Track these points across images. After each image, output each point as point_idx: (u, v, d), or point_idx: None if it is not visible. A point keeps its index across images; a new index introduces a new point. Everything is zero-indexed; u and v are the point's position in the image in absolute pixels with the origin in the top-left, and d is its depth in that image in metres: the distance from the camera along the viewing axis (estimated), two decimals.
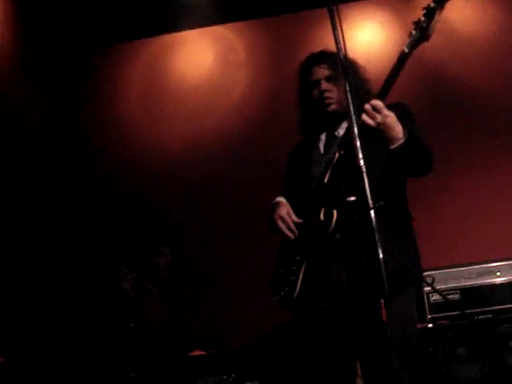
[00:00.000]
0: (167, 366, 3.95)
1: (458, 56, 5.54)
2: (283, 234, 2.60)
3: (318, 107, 2.74)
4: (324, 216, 2.48)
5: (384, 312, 1.74)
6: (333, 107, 2.71)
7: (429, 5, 2.25)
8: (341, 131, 2.71)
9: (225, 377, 3.31)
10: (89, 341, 4.47)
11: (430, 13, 2.24)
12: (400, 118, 2.37)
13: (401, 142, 2.30)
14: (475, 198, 4.97)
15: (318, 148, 2.75)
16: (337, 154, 2.51)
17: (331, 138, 2.73)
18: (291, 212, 2.63)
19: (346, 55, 2.08)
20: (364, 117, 2.25)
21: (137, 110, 5.83)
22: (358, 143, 1.88)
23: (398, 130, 2.30)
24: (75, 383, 4.18)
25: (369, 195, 1.80)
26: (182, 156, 5.62)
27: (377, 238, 1.73)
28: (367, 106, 2.26)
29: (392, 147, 2.30)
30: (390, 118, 2.27)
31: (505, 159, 5.06)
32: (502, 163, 5.05)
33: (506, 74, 5.36)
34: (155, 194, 5.54)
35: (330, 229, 2.42)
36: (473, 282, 3.90)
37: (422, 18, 2.25)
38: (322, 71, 2.73)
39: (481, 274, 3.91)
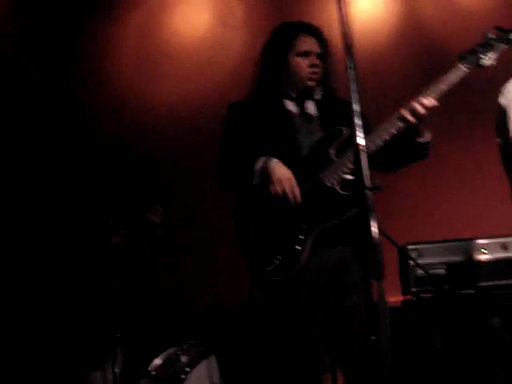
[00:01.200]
0: (153, 329, 3.99)
1: (456, 31, 5.48)
2: (284, 196, 2.51)
3: (297, 75, 2.72)
4: (342, 190, 2.49)
5: (376, 292, 1.76)
6: (314, 83, 2.74)
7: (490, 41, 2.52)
8: (310, 107, 2.75)
9: (210, 342, 3.33)
10: (74, 300, 4.48)
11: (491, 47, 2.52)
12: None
13: (429, 137, 2.56)
14: (463, 174, 4.97)
15: (296, 116, 2.73)
16: (344, 131, 2.54)
17: (304, 112, 2.74)
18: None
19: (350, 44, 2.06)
20: (418, 108, 2.46)
21: (130, 67, 5.74)
22: (358, 121, 1.86)
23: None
24: (58, 345, 4.19)
25: (366, 175, 1.79)
26: (175, 115, 5.56)
27: (371, 218, 1.73)
28: (431, 104, 2.47)
29: (421, 140, 2.55)
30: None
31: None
32: (491, 139, 5.04)
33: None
34: (147, 152, 5.49)
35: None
36: (459, 258, 3.93)
37: (481, 49, 2.53)
38: (316, 46, 2.73)
39: (467, 251, 3.94)
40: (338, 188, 2.49)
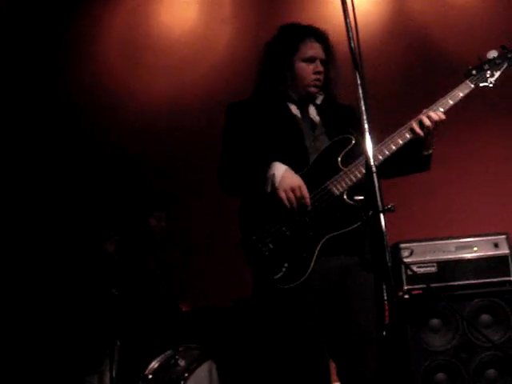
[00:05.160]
0: (149, 332, 3.98)
1: (444, 20, 5.49)
2: (294, 203, 2.50)
3: (300, 81, 2.70)
4: (349, 199, 2.50)
5: (387, 314, 1.77)
6: (316, 90, 2.73)
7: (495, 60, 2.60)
8: (312, 112, 2.74)
9: (207, 346, 3.33)
10: (71, 308, 4.46)
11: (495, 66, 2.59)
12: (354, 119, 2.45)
13: (432, 149, 2.62)
14: (454, 172, 5.02)
15: (301, 121, 2.71)
16: (353, 140, 2.55)
17: (307, 117, 2.72)
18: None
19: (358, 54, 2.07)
20: (426, 121, 2.51)
21: (117, 61, 5.68)
22: (369, 143, 1.86)
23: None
24: (56, 349, 4.18)
25: (379, 198, 1.80)
26: (163, 109, 5.52)
27: (386, 242, 1.74)
28: (438, 118, 2.53)
29: (426, 153, 2.62)
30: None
31: (487, 131, 5.10)
32: (484, 135, 5.09)
33: (492, 39, 5.32)
34: (137, 148, 5.45)
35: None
36: (450, 256, 3.97)
37: (487, 67, 2.60)
38: (321, 52, 2.72)
39: (458, 249, 3.98)
40: (345, 197, 2.50)
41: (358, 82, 1.95)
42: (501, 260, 3.91)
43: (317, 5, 5.27)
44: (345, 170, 2.52)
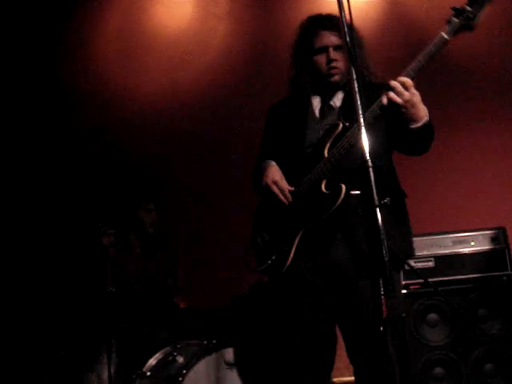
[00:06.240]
0: (146, 329, 3.98)
1: (440, 17, 5.48)
2: (276, 199, 2.56)
3: (319, 73, 2.69)
4: (326, 188, 2.45)
5: (385, 309, 1.78)
6: (336, 78, 2.68)
7: None
8: (336, 101, 2.69)
9: (205, 342, 3.33)
10: (68, 305, 4.45)
11: (480, 4, 2.18)
12: None
13: (423, 121, 2.28)
14: (452, 168, 5.02)
15: (313, 113, 2.71)
16: (340, 125, 2.47)
17: (327, 106, 2.69)
18: (283, 178, 2.59)
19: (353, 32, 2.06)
20: (391, 94, 2.20)
21: (113, 59, 5.65)
22: (365, 138, 1.86)
23: (422, 109, 2.28)
24: (53, 346, 4.17)
25: (375, 193, 1.80)
26: (159, 108, 5.50)
27: (382, 237, 1.74)
28: (395, 83, 2.21)
29: (413, 126, 2.28)
30: (417, 96, 2.25)
31: (484, 126, 5.09)
32: (481, 130, 5.09)
33: (491, 35, 5.32)
34: (133, 145, 5.44)
35: (338, 203, 2.37)
36: (447, 251, 3.98)
37: (469, 8, 2.19)
38: (332, 38, 2.66)
39: (455, 243, 3.99)
40: (322, 186, 2.46)
41: (354, 76, 1.95)
42: (498, 254, 3.91)
43: (312, 1, 5.25)
44: (325, 158, 2.47)
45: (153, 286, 4.39)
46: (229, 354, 3.33)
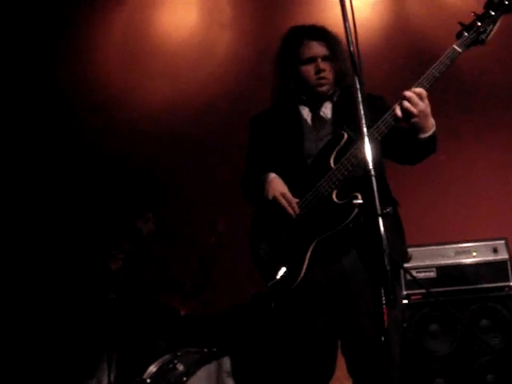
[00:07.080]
0: (147, 336, 3.97)
1: (442, 26, 5.49)
2: (283, 211, 2.53)
3: (306, 83, 2.68)
4: (339, 199, 2.44)
5: (386, 319, 1.77)
6: (324, 88, 2.68)
7: (489, 12, 2.27)
8: (326, 112, 2.69)
9: (206, 350, 3.33)
10: (69, 312, 4.44)
11: (492, 20, 2.26)
12: (385, 110, 2.38)
13: (431, 131, 2.35)
14: (455, 178, 5.02)
15: (306, 123, 2.69)
16: (345, 136, 2.47)
17: (317, 117, 2.68)
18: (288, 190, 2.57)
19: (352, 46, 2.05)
20: (406, 104, 2.26)
21: (117, 67, 5.66)
22: (368, 147, 1.86)
23: (431, 120, 2.35)
24: (54, 353, 4.17)
25: (377, 202, 1.79)
26: (163, 115, 5.50)
27: (384, 246, 1.74)
28: (410, 94, 2.26)
29: (422, 136, 2.34)
30: (429, 107, 2.31)
31: (486, 137, 5.08)
32: (484, 141, 5.08)
33: (492, 42, 5.32)
34: (136, 154, 5.43)
35: (355, 212, 2.36)
36: (449, 261, 3.98)
37: (478, 23, 2.27)
38: (320, 49, 2.67)
39: (457, 254, 3.98)
40: (334, 197, 2.45)
41: (358, 86, 1.95)
42: (500, 265, 3.91)
43: (317, 9, 5.27)
44: (333, 168, 2.46)
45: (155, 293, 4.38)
46: (229, 362, 3.32)
